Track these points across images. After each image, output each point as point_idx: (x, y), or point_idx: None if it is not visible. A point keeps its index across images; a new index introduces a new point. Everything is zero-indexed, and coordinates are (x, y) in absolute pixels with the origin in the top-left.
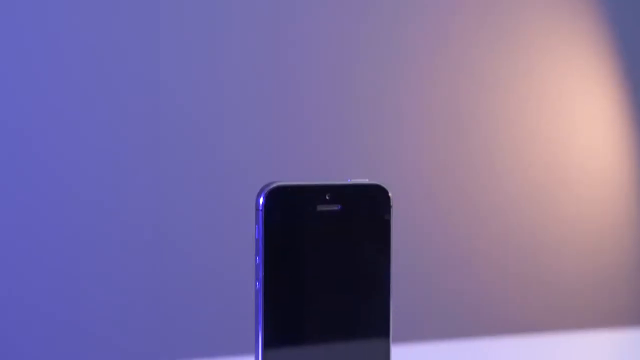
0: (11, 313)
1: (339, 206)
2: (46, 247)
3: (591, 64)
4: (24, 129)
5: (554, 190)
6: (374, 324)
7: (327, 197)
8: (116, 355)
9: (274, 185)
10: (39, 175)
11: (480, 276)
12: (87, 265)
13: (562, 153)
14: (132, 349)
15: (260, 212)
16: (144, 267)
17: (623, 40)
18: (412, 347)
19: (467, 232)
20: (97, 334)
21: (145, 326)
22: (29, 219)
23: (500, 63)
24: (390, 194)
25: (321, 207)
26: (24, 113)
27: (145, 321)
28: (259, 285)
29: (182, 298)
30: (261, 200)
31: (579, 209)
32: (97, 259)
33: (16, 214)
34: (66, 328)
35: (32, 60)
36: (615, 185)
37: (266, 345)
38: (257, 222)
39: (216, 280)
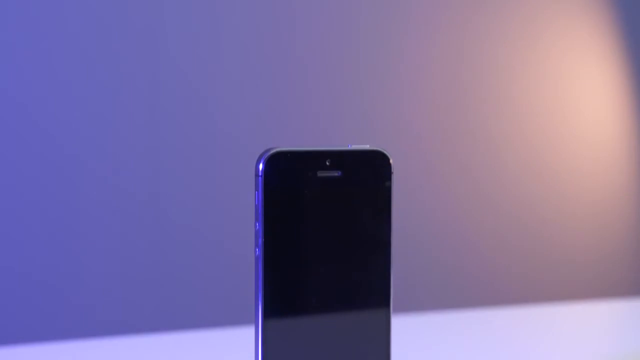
0: (11, 294)
1: (340, 172)
2: (44, 213)
3: (594, 37)
4: (19, 92)
5: (555, 162)
6: (374, 290)
7: (328, 163)
8: (115, 326)
9: (274, 150)
10: (36, 138)
11: (480, 246)
12: (85, 236)
13: (564, 126)
14: (130, 320)
15: (259, 178)
16: (142, 235)
17: (626, 13)
18: (413, 318)
19: (468, 202)
20: (95, 305)
21: (143, 296)
22: (28, 185)
23: (503, 36)
24: (391, 160)
25: (321, 173)
26: (21, 75)
27: (143, 291)
28: (258, 251)
29: (181, 266)
30: (261, 166)
31: (580, 181)
32: (94, 227)
33: (16, 181)
34: (64, 299)
35: (29, 18)
36: (616, 158)
37: (266, 312)
38: (256, 188)
39: (216, 248)
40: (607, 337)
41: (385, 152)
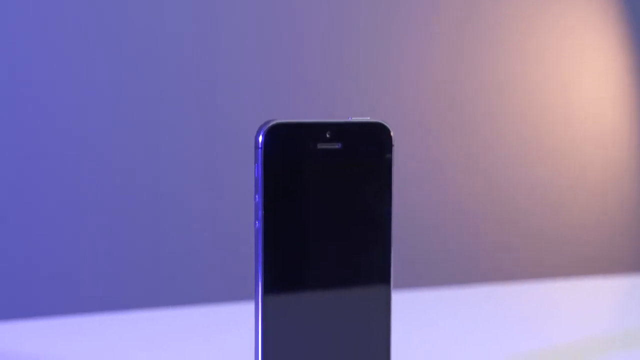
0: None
1: (340, 144)
2: (38, 188)
3: (597, 16)
4: (11, 60)
5: (555, 141)
6: (374, 261)
7: (328, 135)
8: (112, 301)
9: (274, 122)
10: (32, 104)
11: (482, 222)
12: (82, 208)
13: (565, 104)
14: (127, 295)
15: (259, 150)
16: (139, 209)
17: None
18: (413, 294)
19: (469, 177)
20: (93, 280)
21: (140, 271)
22: (27, 151)
23: (506, 15)
24: (392, 133)
25: (321, 145)
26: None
27: (140, 266)
28: (258, 224)
29: (180, 240)
30: (260, 138)
31: (581, 158)
32: (90, 202)
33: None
34: (62, 274)
35: None
36: (618, 136)
37: (266, 285)
38: (256, 161)
39: (215, 221)
40: (610, 312)
41: (386, 124)
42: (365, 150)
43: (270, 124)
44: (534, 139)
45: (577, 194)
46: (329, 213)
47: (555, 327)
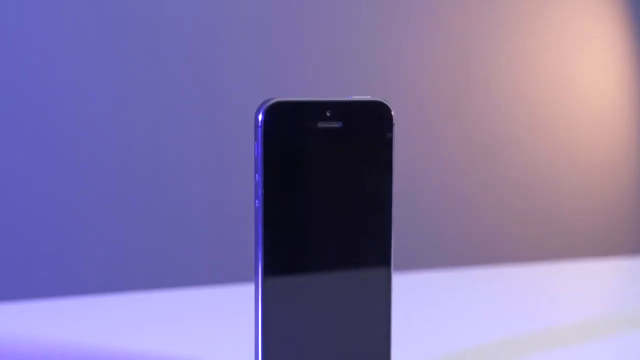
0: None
1: (340, 123)
2: (38, 167)
3: (600, 1)
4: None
5: (556, 125)
6: (375, 243)
7: (328, 114)
8: (113, 283)
9: (274, 101)
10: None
11: (482, 203)
12: (84, 188)
13: (566, 88)
14: (126, 277)
15: (259, 129)
16: (140, 189)
17: None
18: (413, 276)
19: (470, 159)
20: (93, 261)
21: (139, 253)
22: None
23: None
24: (392, 112)
25: (322, 124)
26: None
27: (140, 247)
28: (258, 203)
29: (180, 220)
30: (260, 117)
31: (580, 143)
32: (91, 182)
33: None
34: (62, 255)
35: None
36: (618, 118)
37: (266, 266)
38: (256, 139)
39: (216, 201)
40: (609, 294)
41: (386, 102)
42: (366, 129)
43: (271, 102)
44: (535, 123)
45: (577, 177)
46: (329, 192)
47: (555, 309)
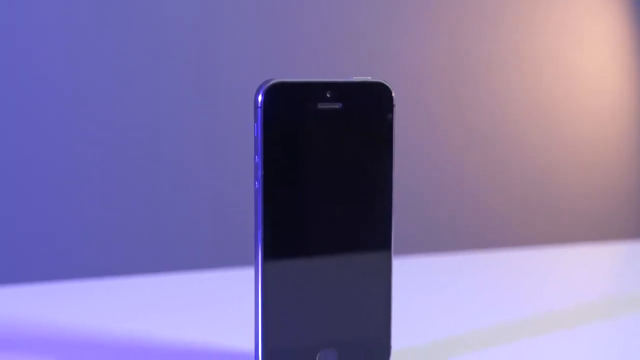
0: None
1: (340, 104)
2: (34, 151)
3: None
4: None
5: (556, 109)
6: (375, 225)
7: (328, 95)
8: (113, 266)
9: (273, 81)
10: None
11: (482, 188)
12: (82, 174)
13: (565, 73)
14: (128, 260)
15: (259, 110)
16: (138, 170)
17: None
18: (412, 260)
19: (470, 142)
20: (93, 245)
21: (139, 236)
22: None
23: None
24: (393, 93)
25: (322, 105)
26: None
27: (139, 230)
28: (258, 184)
29: (179, 202)
30: (260, 98)
31: (579, 127)
32: (89, 162)
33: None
34: (61, 239)
35: None
36: (618, 104)
37: (265, 247)
38: (255, 120)
39: (215, 183)
40: (607, 278)
41: (387, 84)
42: (366, 110)
43: (270, 83)
44: (535, 107)
45: (576, 161)
46: (329, 173)
47: (554, 293)
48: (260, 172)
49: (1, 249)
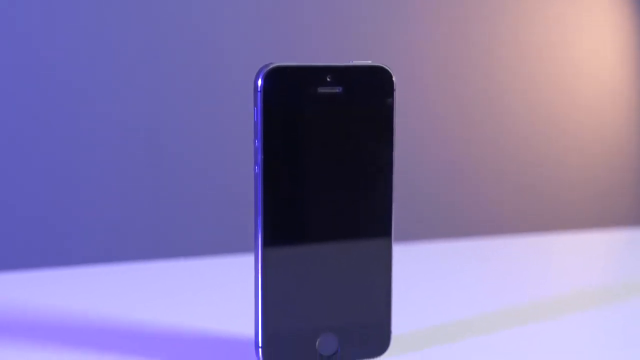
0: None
1: (340, 88)
2: (33, 140)
3: None
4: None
5: (556, 94)
6: (375, 210)
7: (328, 79)
8: (112, 253)
9: (273, 65)
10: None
11: (482, 174)
12: (81, 160)
13: (565, 60)
14: (128, 246)
15: (258, 94)
16: (136, 155)
17: None
18: (412, 247)
19: (470, 129)
20: (92, 231)
21: (139, 223)
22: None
23: None
24: (393, 77)
25: (322, 89)
26: None
27: (139, 216)
28: (257, 169)
29: (179, 188)
30: (260, 82)
31: (579, 113)
32: (91, 150)
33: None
34: (60, 226)
35: None
36: (616, 91)
37: (266, 232)
38: (255, 105)
39: (215, 168)
40: (606, 265)
41: (387, 67)
42: (367, 95)
43: (270, 67)
44: (535, 92)
45: (575, 148)
46: (329, 158)
47: (553, 280)
48: (260, 157)
49: (1, 235)
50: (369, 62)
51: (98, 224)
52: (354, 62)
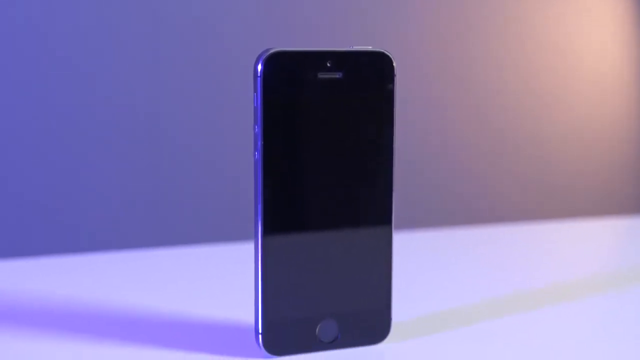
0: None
1: (341, 74)
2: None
3: None
4: None
5: (557, 82)
6: (376, 196)
7: (328, 64)
8: (113, 240)
9: (273, 51)
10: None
11: (482, 162)
12: (81, 151)
13: (566, 49)
14: (128, 234)
15: (258, 79)
16: (135, 142)
17: None
18: (413, 234)
19: (470, 116)
20: (92, 218)
21: (138, 210)
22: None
23: None
24: (394, 63)
25: (322, 75)
26: None
27: (138, 204)
28: (257, 155)
29: (178, 176)
30: (259, 67)
31: (581, 100)
32: (91, 141)
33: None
34: (61, 214)
35: None
36: (618, 79)
37: (265, 219)
38: (255, 90)
39: (214, 155)
40: (608, 253)
41: (388, 53)
42: (367, 80)
43: (270, 52)
44: (536, 80)
45: (576, 136)
46: (329, 144)
47: (555, 267)
48: (259, 143)
49: (3, 222)
50: (369, 48)
51: (97, 211)
52: (354, 47)
